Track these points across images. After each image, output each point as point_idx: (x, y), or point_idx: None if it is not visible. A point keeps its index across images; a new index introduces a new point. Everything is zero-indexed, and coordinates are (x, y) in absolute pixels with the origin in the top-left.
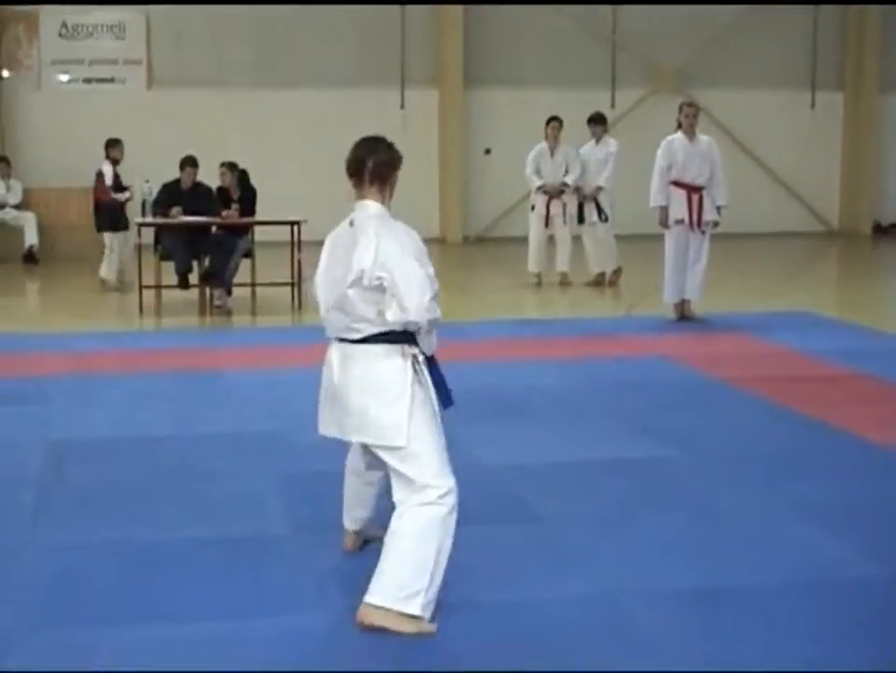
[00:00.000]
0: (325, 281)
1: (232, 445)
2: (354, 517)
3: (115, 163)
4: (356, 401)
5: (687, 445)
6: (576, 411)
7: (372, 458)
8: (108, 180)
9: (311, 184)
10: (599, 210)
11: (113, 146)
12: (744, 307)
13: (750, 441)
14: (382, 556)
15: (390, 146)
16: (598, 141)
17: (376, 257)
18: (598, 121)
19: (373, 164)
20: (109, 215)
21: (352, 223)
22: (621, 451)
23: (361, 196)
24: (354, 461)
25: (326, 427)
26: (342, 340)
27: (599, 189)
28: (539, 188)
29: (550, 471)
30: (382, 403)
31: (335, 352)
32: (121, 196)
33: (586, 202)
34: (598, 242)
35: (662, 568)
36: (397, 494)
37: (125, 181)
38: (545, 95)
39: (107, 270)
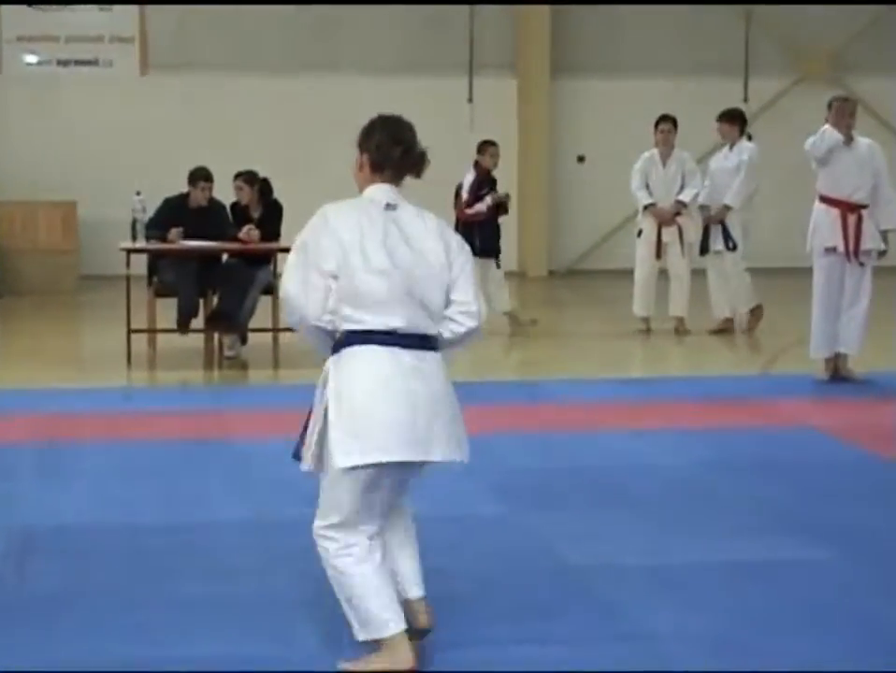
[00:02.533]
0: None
1: (246, 536)
2: (396, 609)
3: (484, 173)
4: (450, 412)
5: (845, 544)
6: (696, 499)
7: (394, 499)
8: (465, 191)
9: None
10: (727, 237)
11: (490, 147)
12: None
13: None
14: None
15: None
16: (731, 146)
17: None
18: (732, 119)
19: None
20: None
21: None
22: (756, 552)
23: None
24: (375, 529)
25: (399, 449)
26: (414, 344)
27: (727, 209)
28: (647, 207)
29: (660, 575)
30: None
31: (407, 357)
32: (480, 207)
33: (712, 225)
34: (724, 278)
35: None
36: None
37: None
38: (655, 86)
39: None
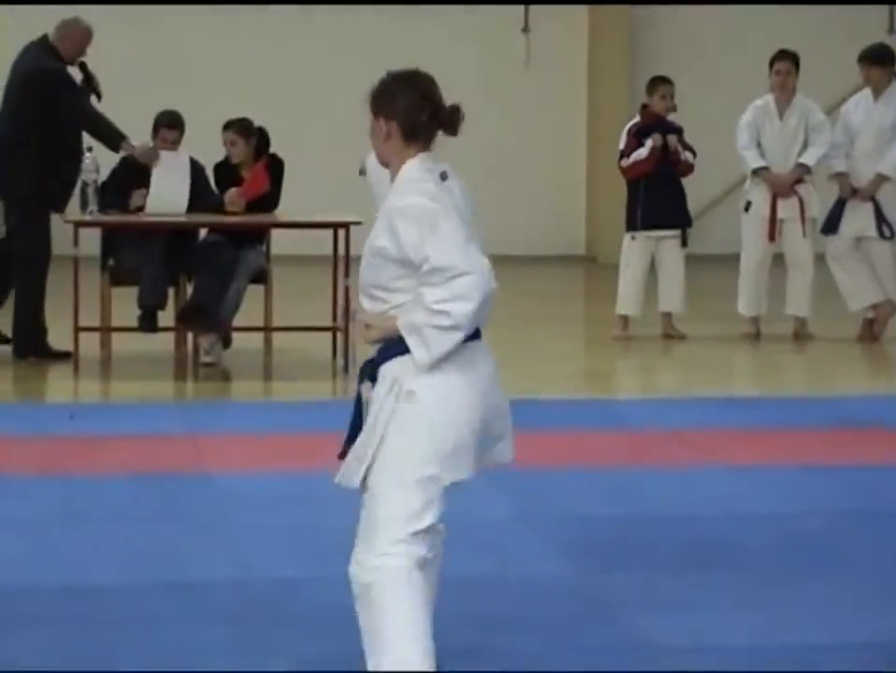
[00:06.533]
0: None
1: (226, 602)
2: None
3: (652, 118)
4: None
5: None
6: (821, 558)
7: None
8: (622, 144)
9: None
10: (881, 219)
11: (660, 85)
12: None
13: None
14: None
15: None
16: (877, 95)
17: None
18: (877, 59)
19: None
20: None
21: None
22: None
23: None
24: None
25: (478, 459)
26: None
27: (883, 179)
28: (758, 172)
29: (771, 660)
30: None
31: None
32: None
33: (854, 201)
34: (862, 269)
35: None
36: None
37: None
38: (768, 13)
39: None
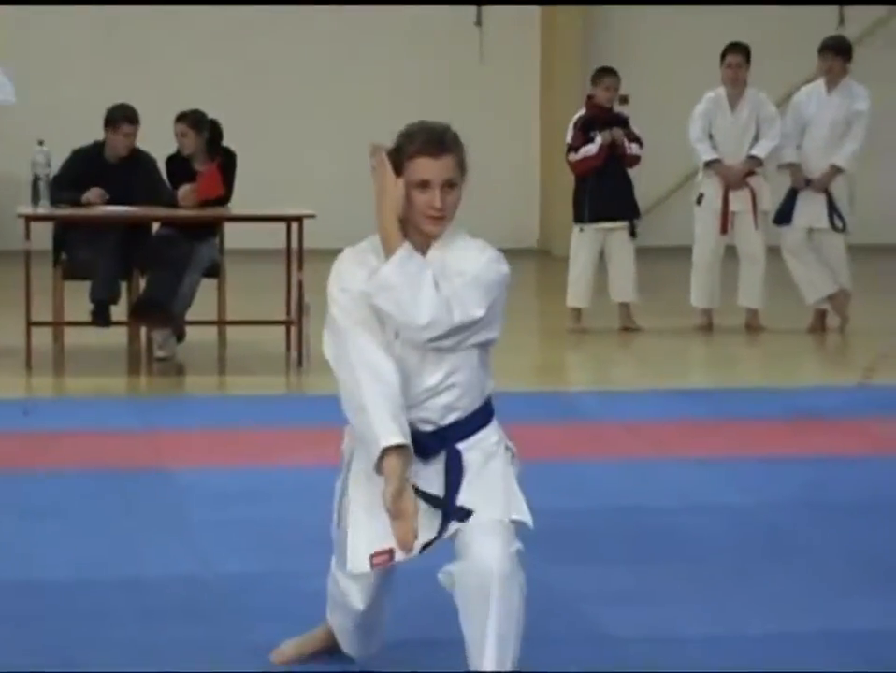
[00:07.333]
0: None
1: (184, 598)
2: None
3: (597, 110)
4: None
5: None
6: (774, 549)
7: None
8: (569, 137)
9: (326, 155)
10: (833, 210)
11: (604, 77)
12: None
13: None
14: None
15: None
16: (831, 87)
17: None
18: (840, 49)
19: None
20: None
21: None
22: (853, 619)
23: None
24: None
25: None
26: None
27: (837, 171)
28: (710, 164)
29: (726, 649)
30: None
31: None
32: (589, 149)
33: (807, 192)
34: (817, 261)
35: None
36: None
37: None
38: (717, 9)
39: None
